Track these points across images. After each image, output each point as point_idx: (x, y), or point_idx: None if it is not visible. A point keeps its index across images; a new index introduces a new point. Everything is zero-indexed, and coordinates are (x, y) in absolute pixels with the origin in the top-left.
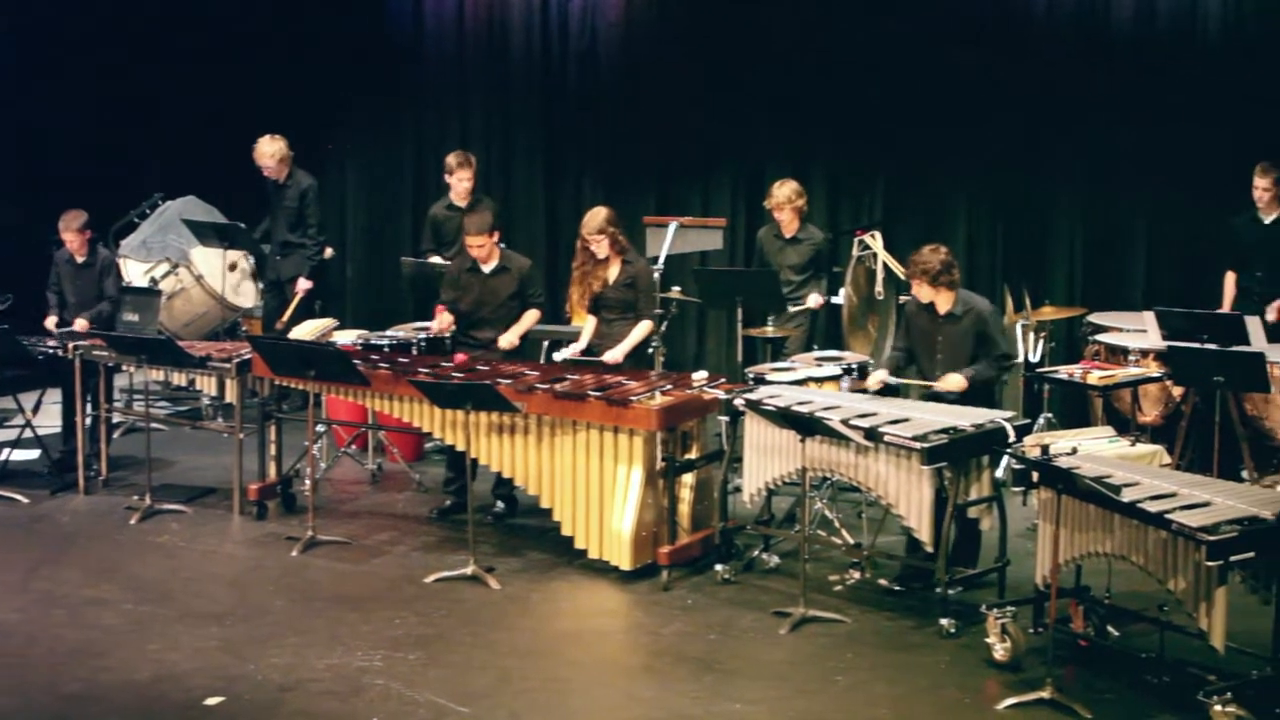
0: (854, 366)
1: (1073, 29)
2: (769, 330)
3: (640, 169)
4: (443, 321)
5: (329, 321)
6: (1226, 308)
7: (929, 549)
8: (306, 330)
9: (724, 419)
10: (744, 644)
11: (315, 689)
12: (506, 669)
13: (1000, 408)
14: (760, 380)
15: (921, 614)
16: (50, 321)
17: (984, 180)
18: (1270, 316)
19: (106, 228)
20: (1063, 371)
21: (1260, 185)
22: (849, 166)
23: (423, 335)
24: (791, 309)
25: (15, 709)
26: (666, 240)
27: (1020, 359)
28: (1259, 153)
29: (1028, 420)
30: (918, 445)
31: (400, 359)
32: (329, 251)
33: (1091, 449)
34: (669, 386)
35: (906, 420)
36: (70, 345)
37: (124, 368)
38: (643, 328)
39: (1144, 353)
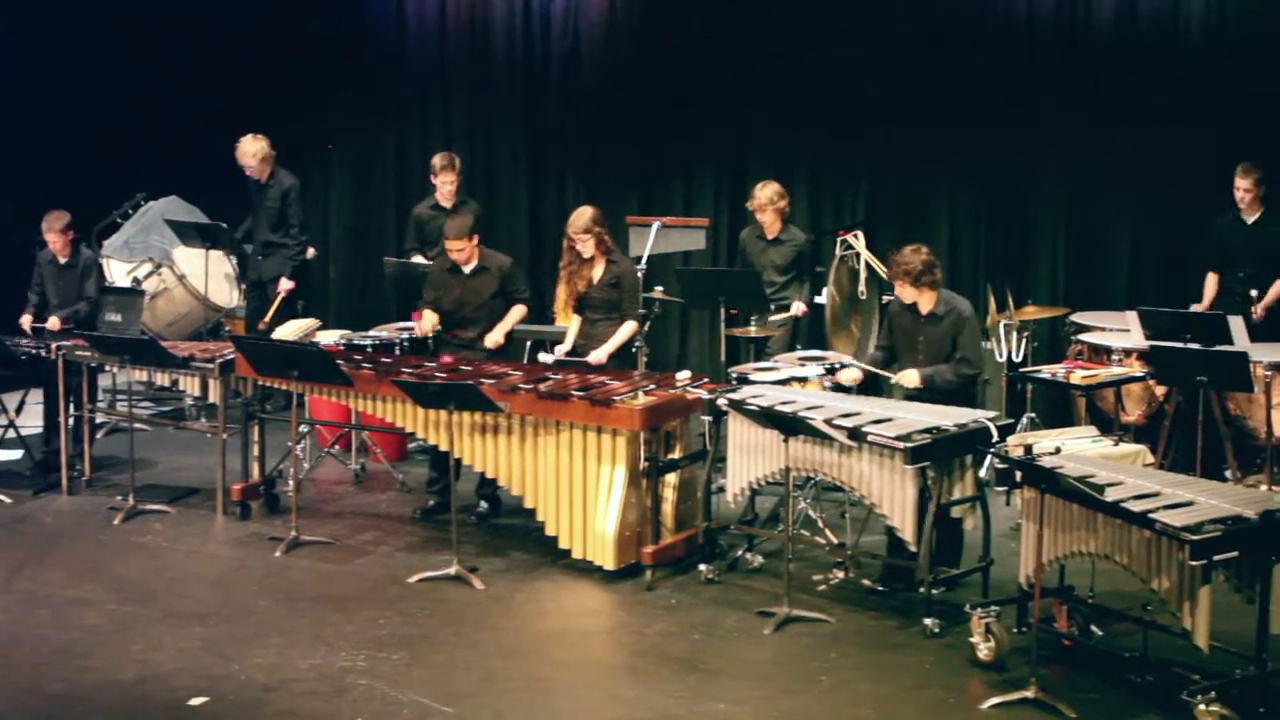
0: (837, 366)
1: (1054, 30)
2: (752, 330)
3: (623, 169)
4: (426, 323)
5: (312, 322)
6: (1204, 308)
7: (913, 548)
8: (289, 330)
9: (707, 419)
10: (728, 644)
11: (299, 689)
12: (490, 669)
13: (983, 407)
14: (743, 380)
15: (905, 614)
16: (25, 320)
17: (966, 180)
18: (1256, 315)
19: (90, 228)
20: (1046, 371)
21: (1242, 186)
22: (832, 167)
23: (405, 336)
24: (773, 309)
25: None
26: (649, 240)
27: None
28: (1240, 153)
29: (1011, 420)
30: (901, 445)
31: (383, 359)
32: (311, 251)
33: (1075, 448)
34: (652, 386)
35: (890, 420)
36: (53, 345)
37: (107, 368)
38: (627, 328)
39: (1127, 352)
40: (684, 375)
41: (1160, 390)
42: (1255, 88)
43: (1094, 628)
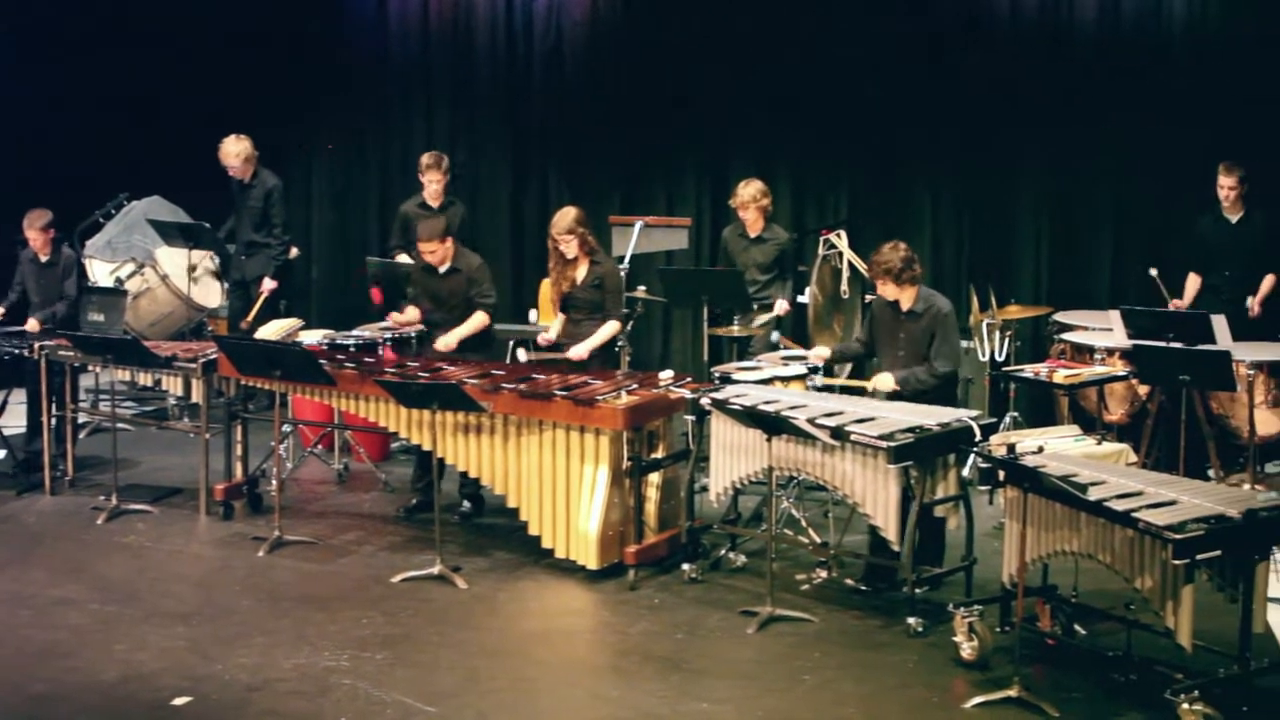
0: (819, 365)
1: (1038, 29)
2: (735, 329)
3: (606, 168)
4: (406, 317)
5: (294, 321)
6: (1185, 308)
7: (895, 548)
8: (272, 330)
9: (690, 418)
10: (711, 643)
11: (282, 689)
12: (473, 669)
13: (966, 407)
14: (726, 379)
15: (888, 613)
16: None
17: (949, 180)
18: (1253, 311)
19: (72, 227)
20: (1028, 370)
21: (1225, 184)
22: (815, 165)
23: (389, 334)
24: (756, 308)
25: None
26: (632, 239)
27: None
28: (1222, 152)
29: (994, 419)
30: (884, 444)
31: (366, 359)
32: (294, 251)
33: (1058, 447)
34: (635, 386)
35: (873, 419)
36: (36, 345)
37: (90, 368)
38: (609, 327)
39: (1110, 351)
40: (667, 375)
41: (1143, 389)
42: (1237, 88)
43: (1077, 627)
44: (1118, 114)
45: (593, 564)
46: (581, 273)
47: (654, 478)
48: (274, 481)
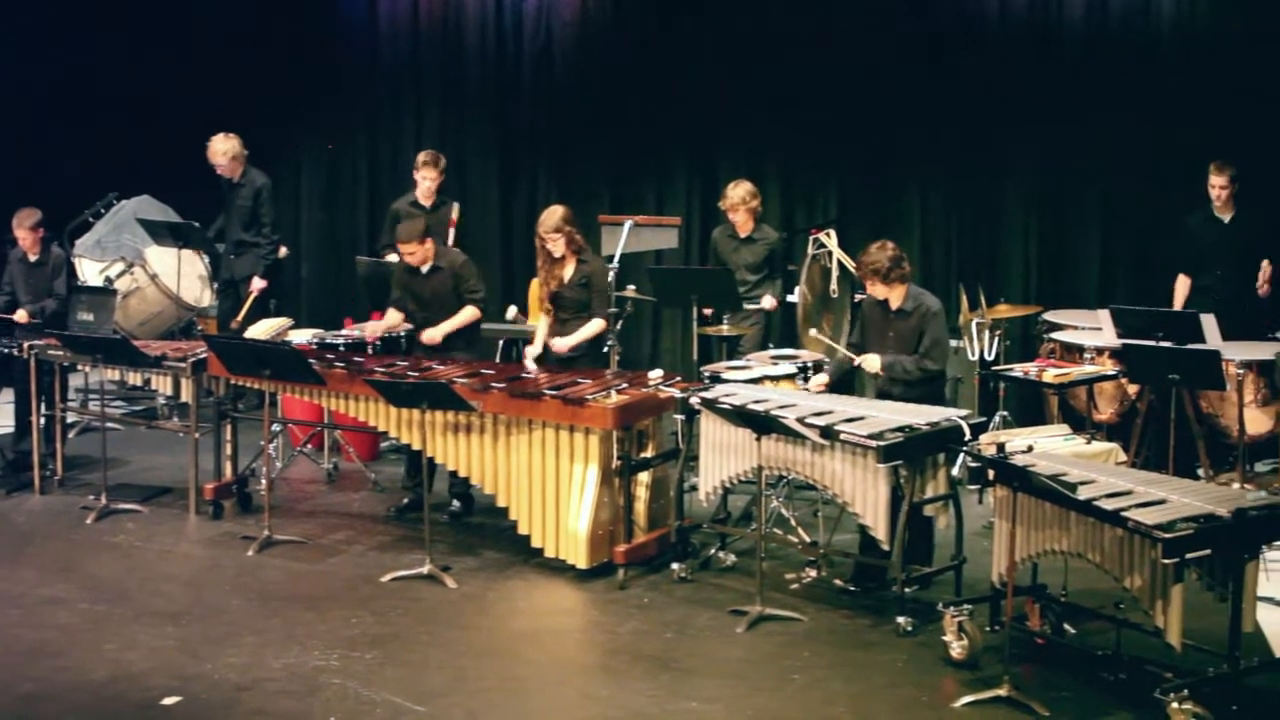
0: (809, 365)
1: (1026, 28)
2: (724, 329)
3: (595, 168)
4: (387, 321)
5: (284, 321)
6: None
7: (885, 547)
8: (261, 329)
9: (680, 417)
10: (700, 642)
11: (272, 688)
12: (463, 668)
13: (956, 406)
14: (716, 379)
15: (878, 612)
16: None
17: (938, 179)
18: (1261, 290)
19: (62, 227)
20: (1018, 370)
21: (1217, 183)
22: (804, 165)
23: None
24: (747, 308)
25: None
26: (621, 239)
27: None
28: (1212, 151)
29: (983, 418)
30: (873, 443)
31: (355, 358)
32: (283, 250)
33: (1047, 447)
34: (625, 385)
35: (862, 419)
36: (25, 345)
37: (79, 367)
38: (594, 325)
39: (1099, 350)
40: (656, 374)
41: (1132, 388)
42: (1225, 86)
43: (1067, 626)
44: (1107, 113)
45: (582, 563)
46: (569, 272)
47: (643, 477)
48: (263, 481)
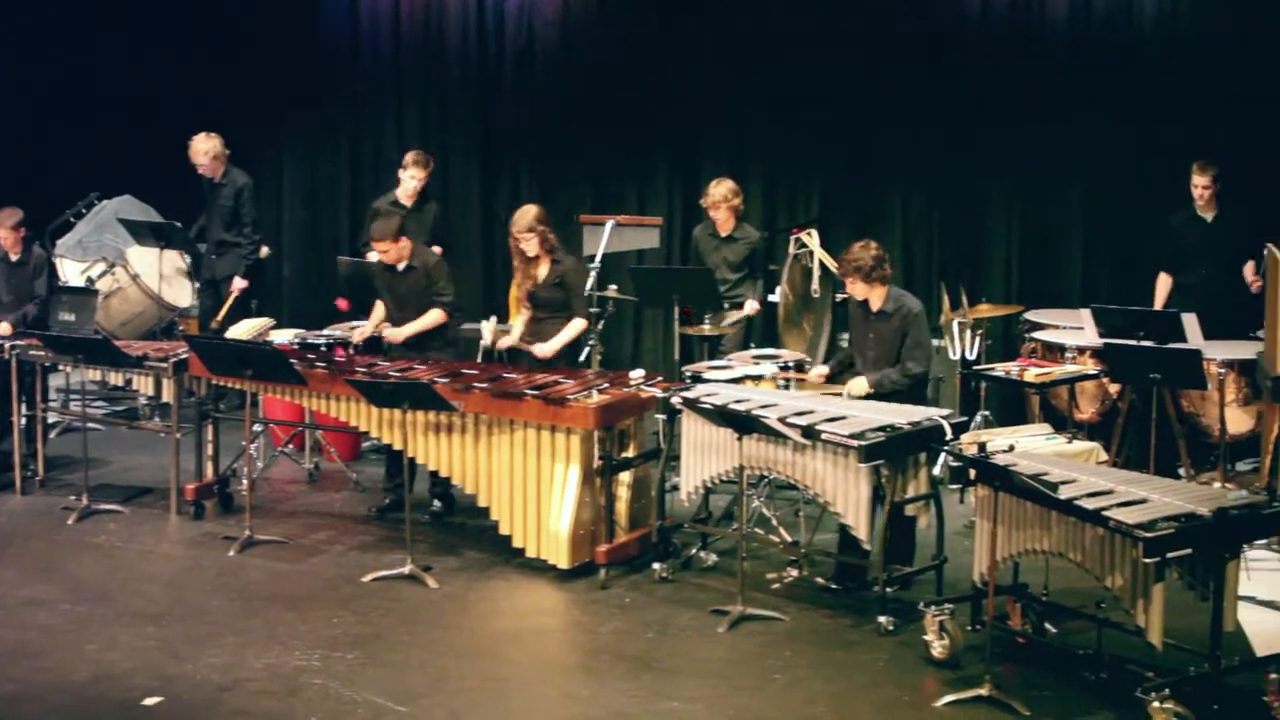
0: (790, 364)
1: (1008, 28)
2: (705, 328)
3: (577, 167)
4: (375, 317)
5: (265, 321)
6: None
7: (866, 546)
8: (243, 329)
9: (661, 417)
10: (682, 642)
11: (253, 688)
12: (444, 668)
13: (937, 406)
14: (697, 378)
15: (859, 612)
16: None
17: (920, 179)
18: (1254, 287)
19: (43, 227)
20: (999, 369)
21: (1200, 183)
22: (785, 164)
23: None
24: (727, 309)
25: None
26: (603, 239)
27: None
28: (1194, 151)
29: (965, 418)
30: (855, 443)
31: (337, 358)
32: (264, 250)
33: (1028, 446)
34: (606, 385)
35: (844, 418)
36: (6, 345)
37: (60, 367)
38: (575, 325)
39: (1081, 350)
40: (638, 374)
41: (1114, 388)
42: (1207, 86)
43: (1048, 625)
44: (1089, 112)
45: (563, 563)
46: (543, 271)
47: (625, 477)
48: (245, 481)
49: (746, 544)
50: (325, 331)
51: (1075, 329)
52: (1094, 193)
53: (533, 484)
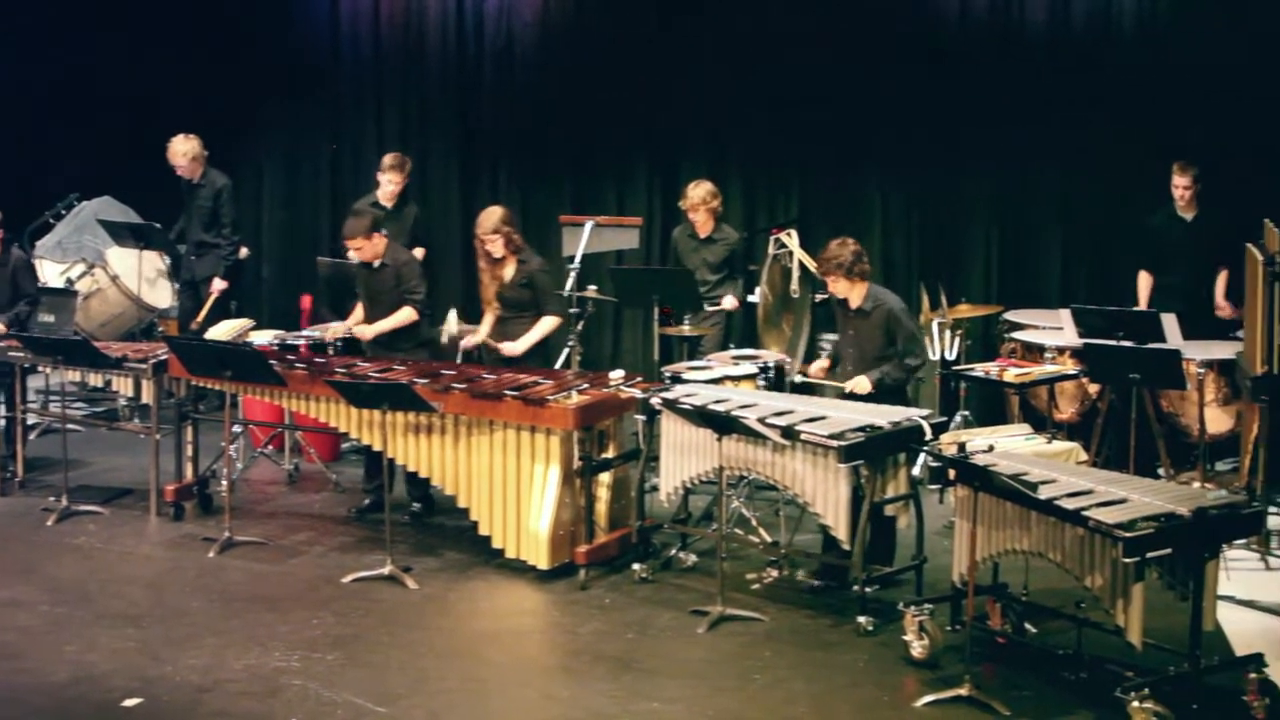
0: (770, 365)
1: (987, 29)
2: (685, 329)
3: (556, 168)
4: (353, 319)
5: (245, 322)
6: (1143, 307)
7: (846, 547)
8: (222, 330)
9: (641, 418)
10: (662, 643)
11: (233, 690)
12: (424, 669)
13: (917, 406)
14: (677, 379)
15: (839, 612)
16: None
17: (899, 179)
18: (1226, 311)
19: (22, 227)
20: (979, 369)
21: (1180, 184)
22: (765, 165)
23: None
24: (708, 309)
25: None
26: (583, 239)
27: (929, 359)
28: (1172, 151)
29: (944, 418)
30: (834, 443)
31: (316, 359)
32: (244, 251)
33: (1008, 446)
34: (585, 385)
35: (823, 419)
36: None
37: (40, 369)
38: (546, 323)
39: (1060, 350)
40: (617, 374)
41: (1093, 388)
42: (1185, 85)
43: (1028, 625)
44: (1068, 113)
45: (543, 564)
46: (509, 272)
47: (604, 477)
48: (224, 482)
49: (726, 544)
50: (305, 332)
51: (1055, 329)
52: (1073, 193)
53: (512, 485)
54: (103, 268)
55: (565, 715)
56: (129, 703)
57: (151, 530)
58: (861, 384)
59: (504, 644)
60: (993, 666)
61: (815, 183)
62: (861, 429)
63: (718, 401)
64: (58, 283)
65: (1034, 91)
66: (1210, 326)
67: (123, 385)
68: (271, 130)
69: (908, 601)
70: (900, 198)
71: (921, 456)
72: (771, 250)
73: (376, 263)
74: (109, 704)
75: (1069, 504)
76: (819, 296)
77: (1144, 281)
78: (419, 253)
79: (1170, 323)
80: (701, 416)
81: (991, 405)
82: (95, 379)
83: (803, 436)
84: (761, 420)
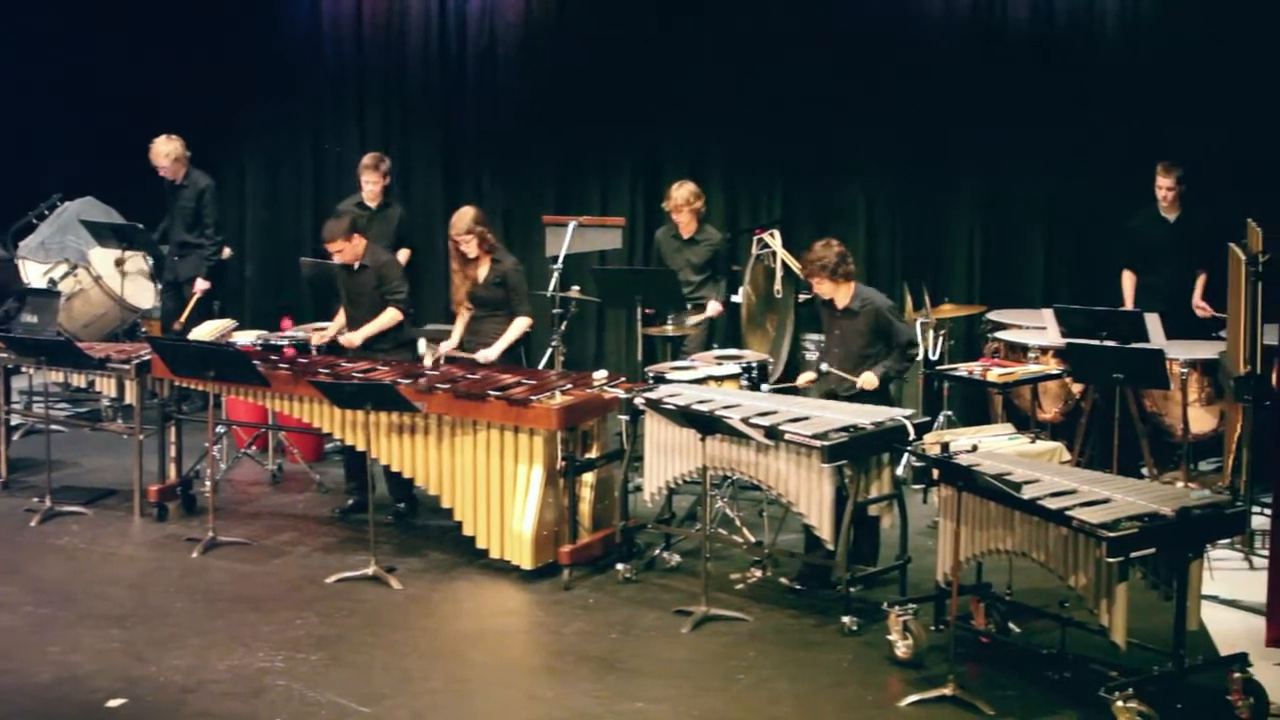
0: (754, 365)
1: (970, 28)
2: (668, 329)
3: (539, 168)
4: (336, 324)
5: (228, 322)
6: (1129, 306)
7: (830, 547)
8: (205, 331)
9: (624, 418)
10: (646, 643)
11: (216, 690)
12: (408, 669)
13: (900, 405)
14: (660, 379)
15: (823, 612)
16: None
17: (882, 179)
18: (1206, 311)
19: (5, 228)
20: (962, 369)
21: (1164, 184)
22: (748, 165)
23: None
24: (690, 310)
25: None
26: (565, 239)
27: (921, 352)
28: (1155, 151)
29: (928, 418)
30: (818, 443)
31: (300, 359)
32: (227, 252)
33: (991, 446)
34: (569, 386)
35: (806, 419)
36: None
37: (23, 369)
38: (518, 324)
39: (1043, 350)
40: (601, 375)
41: (1077, 388)
42: (1168, 85)
43: (1012, 625)
44: (1051, 113)
45: (527, 564)
46: (483, 272)
47: (588, 478)
48: (208, 483)
49: (710, 544)
50: (289, 332)
51: (1038, 329)
52: (1056, 193)
53: (496, 485)
54: (85, 268)
55: (549, 715)
56: (113, 703)
57: (135, 531)
58: (870, 380)
59: (488, 644)
60: (977, 666)
61: (798, 183)
62: (845, 429)
63: (701, 402)
64: (41, 283)
65: (1017, 92)
66: (1193, 326)
67: (106, 386)
68: (254, 131)
69: (892, 601)
70: (883, 198)
71: (905, 456)
72: (755, 251)
73: (357, 264)
74: (93, 705)
75: (1053, 504)
76: (803, 297)
77: (1128, 281)
78: (404, 254)
79: (1153, 322)
80: (685, 417)
81: (975, 405)
82: (79, 379)
83: (786, 436)
84: (745, 420)
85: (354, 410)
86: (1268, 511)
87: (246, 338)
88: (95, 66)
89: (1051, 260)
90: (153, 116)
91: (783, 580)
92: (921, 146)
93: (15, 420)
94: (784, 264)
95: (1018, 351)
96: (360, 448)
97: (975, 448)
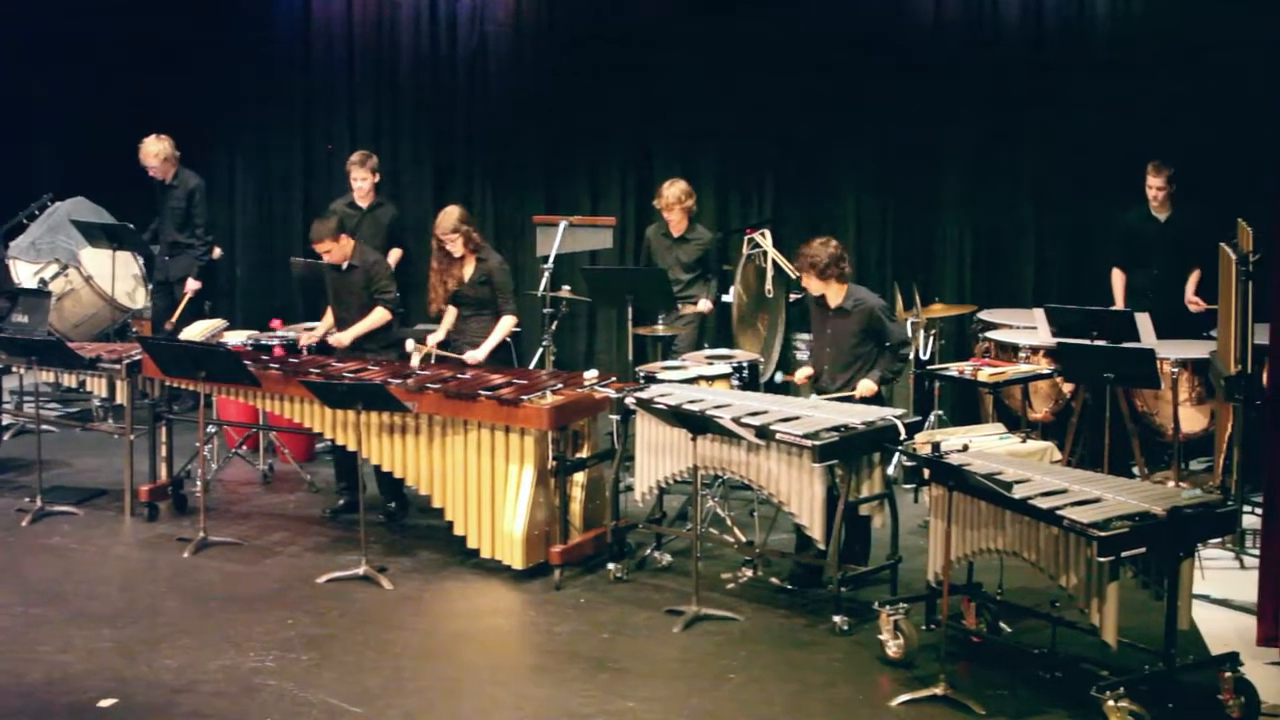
0: (744, 365)
1: (960, 27)
2: (659, 329)
3: (529, 168)
4: (324, 324)
5: (219, 322)
6: (1120, 305)
7: (821, 546)
8: (196, 331)
9: (615, 418)
10: (637, 642)
11: (208, 690)
12: (399, 669)
13: (891, 405)
14: (651, 379)
15: (814, 612)
16: None
17: (874, 178)
18: (1198, 306)
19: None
20: (953, 369)
21: (1155, 184)
22: (738, 165)
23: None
24: (681, 309)
25: None
26: (556, 239)
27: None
28: (1145, 150)
29: (919, 418)
30: (809, 443)
31: (290, 359)
32: (217, 251)
33: (982, 446)
34: (560, 385)
35: (797, 418)
36: None
37: (14, 369)
38: (504, 324)
39: (1034, 349)
40: (592, 374)
41: (1067, 387)
42: (1159, 86)
43: (1002, 624)
44: (1041, 112)
45: (518, 564)
46: (468, 270)
47: (579, 477)
48: (199, 482)
49: (701, 544)
50: (279, 332)
51: (1029, 329)
52: (1046, 193)
53: (487, 485)
54: (76, 268)
55: (540, 715)
56: (104, 703)
57: (126, 531)
58: (868, 387)
59: (479, 644)
60: (968, 666)
61: (789, 183)
62: (836, 429)
63: (692, 401)
64: (31, 284)
65: (1007, 91)
66: (1183, 326)
67: (97, 386)
68: (244, 131)
69: (883, 601)
70: (873, 197)
71: (896, 456)
72: (746, 250)
73: (345, 264)
74: (84, 705)
75: (1043, 503)
76: (794, 296)
77: (1118, 279)
78: (395, 254)
79: (1144, 322)
80: (676, 416)
81: (966, 405)
82: (69, 380)
83: (777, 436)
84: (736, 420)
85: (345, 410)
86: (1258, 511)
87: (237, 338)
88: (86, 68)
89: (1042, 260)
90: (143, 116)
91: (774, 580)
92: (912, 146)
93: (6, 420)
94: (775, 264)
95: (1008, 351)
96: (351, 448)
97: (966, 447)
